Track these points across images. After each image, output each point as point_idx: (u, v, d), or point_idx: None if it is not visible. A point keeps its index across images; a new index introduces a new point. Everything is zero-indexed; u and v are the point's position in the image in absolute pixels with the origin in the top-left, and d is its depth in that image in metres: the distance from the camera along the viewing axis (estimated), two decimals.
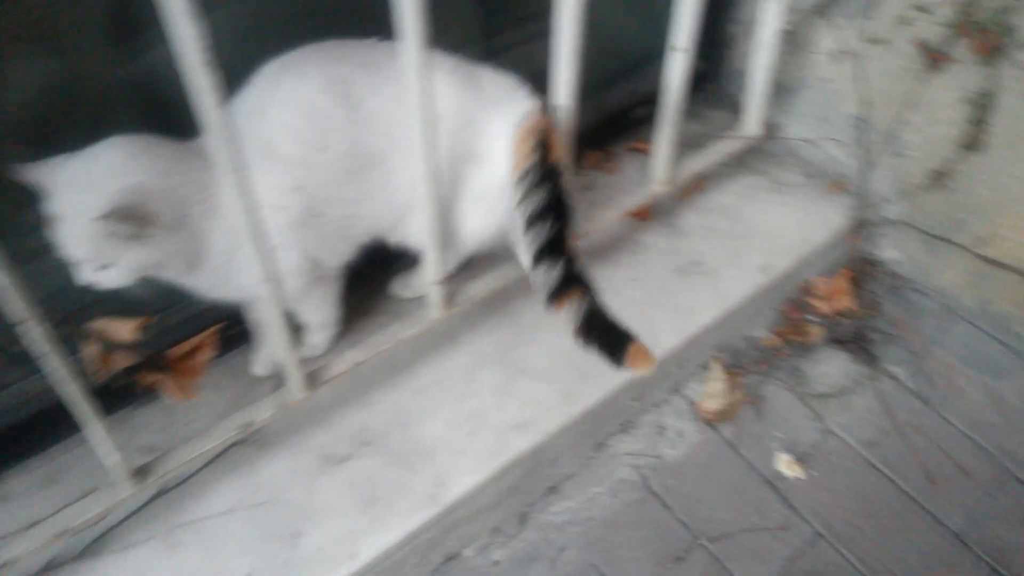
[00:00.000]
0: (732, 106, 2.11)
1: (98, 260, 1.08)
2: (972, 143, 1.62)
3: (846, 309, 1.85)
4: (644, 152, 1.96)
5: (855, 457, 1.73)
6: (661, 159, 1.60)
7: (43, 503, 1.38)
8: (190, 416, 1.49)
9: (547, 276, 1.30)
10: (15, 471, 1.44)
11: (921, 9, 1.63)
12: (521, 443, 1.51)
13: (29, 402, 1.41)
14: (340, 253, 1.37)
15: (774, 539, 1.61)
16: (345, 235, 1.33)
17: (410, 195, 1.31)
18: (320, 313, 1.44)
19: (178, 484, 1.41)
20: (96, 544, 1.35)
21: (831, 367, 1.85)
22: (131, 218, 1.04)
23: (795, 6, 1.68)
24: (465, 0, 1.83)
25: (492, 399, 1.57)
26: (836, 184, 1.91)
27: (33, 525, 1.21)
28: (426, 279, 1.37)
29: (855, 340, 1.85)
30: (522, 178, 1.31)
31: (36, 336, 0.97)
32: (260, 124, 1.20)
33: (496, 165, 1.36)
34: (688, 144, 1.94)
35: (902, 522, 1.63)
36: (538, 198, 1.30)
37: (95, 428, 1.13)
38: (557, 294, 1.31)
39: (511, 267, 1.53)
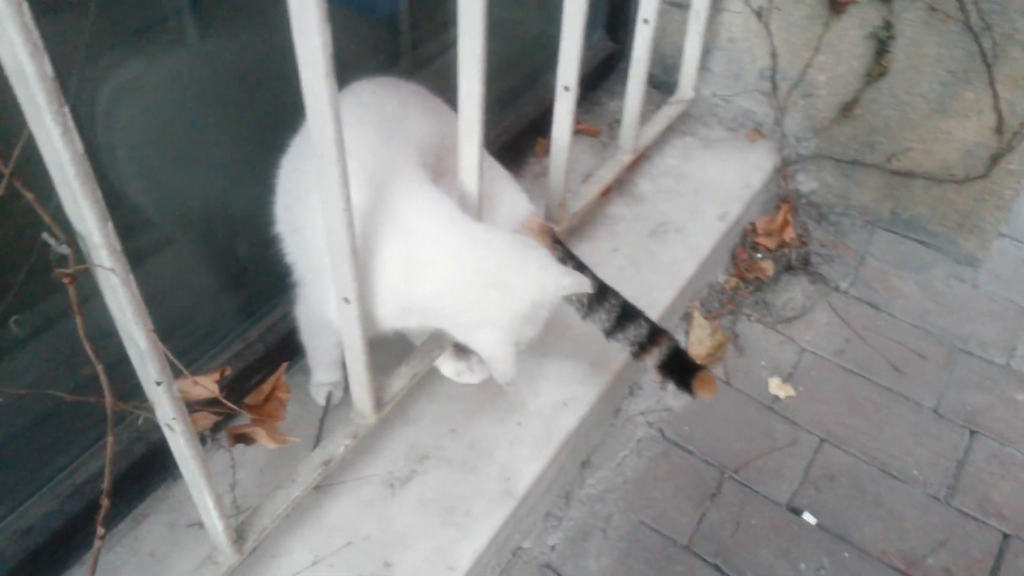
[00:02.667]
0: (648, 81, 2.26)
1: None
2: (878, 72, 1.86)
3: (791, 240, 2.05)
4: (586, 133, 2.06)
5: (831, 367, 1.92)
6: (628, 129, 1.70)
7: None
8: (229, 479, 1.40)
9: (634, 335, 1.42)
10: None
11: None
12: (568, 420, 1.56)
13: (63, 506, 1.27)
14: None
15: (788, 455, 1.76)
16: None
17: None
18: None
19: (252, 549, 1.32)
20: None
21: (788, 294, 2.04)
22: None
23: None
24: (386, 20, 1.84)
25: (527, 386, 1.59)
26: (754, 132, 2.10)
27: None
28: None
29: (803, 266, 2.05)
30: None
31: (168, 399, 0.89)
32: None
33: None
34: (620, 119, 2.05)
35: (886, 412, 1.84)
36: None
37: (204, 495, 1.05)
38: (645, 346, 1.42)
39: None
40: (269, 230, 1.32)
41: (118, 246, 0.75)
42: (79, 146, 0.67)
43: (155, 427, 1.31)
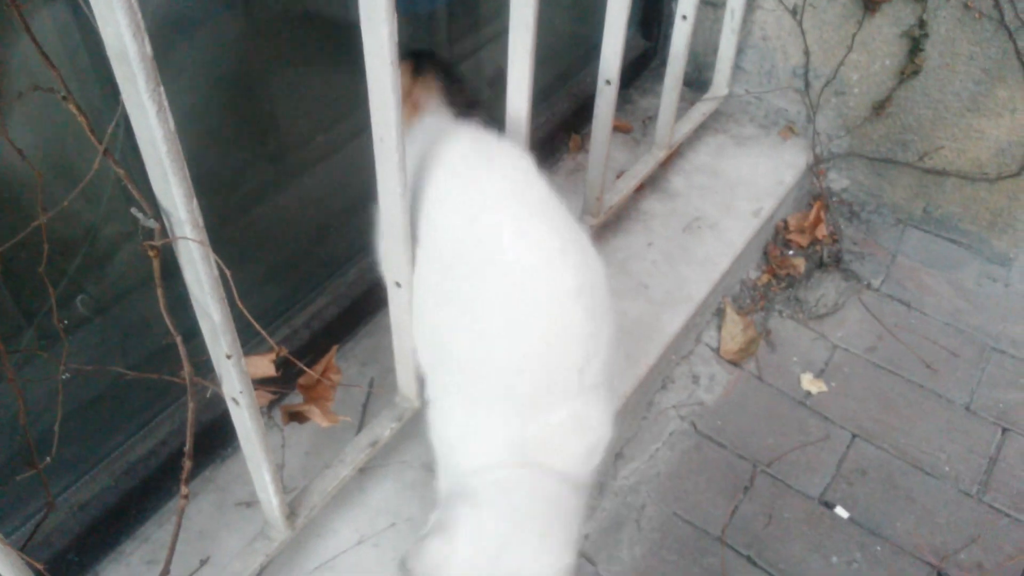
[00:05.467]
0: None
1: None
2: (911, 70, 1.88)
3: (824, 238, 2.07)
4: (620, 129, 2.09)
5: (862, 363, 1.94)
6: (664, 125, 1.72)
7: None
8: (278, 459, 1.44)
9: None
10: (109, 560, 1.32)
11: None
12: None
13: (118, 482, 1.31)
14: None
15: (820, 450, 1.78)
16: None
17: None
18: None
19: (303, 526, 1.36)
20: None
21: (820, 291, 2.06)
22: None
23: None
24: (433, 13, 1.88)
25: None
26: (787, 130, 2.12)
27: None
28: None
29: (835, 263, 2.07)
30: None
31: (237, 372, 0.92)
32: None
33: None
34: (653, 116, 2.08)
35: (918, 408, 1.85)
36: None
37: (263, 469, 1.08)
38: None
39: None
40: (314, 220, 1.36)
41: (201, 222, 0.78)
42: (172, 125, 0.71)
43: (205, 407, 1.36)
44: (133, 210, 0.75)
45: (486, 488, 0.93)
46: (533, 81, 1.24)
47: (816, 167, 2.10)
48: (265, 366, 1.12)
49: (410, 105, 1.27)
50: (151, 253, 0.76)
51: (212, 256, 0.80)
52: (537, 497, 0.94)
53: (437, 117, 1.27)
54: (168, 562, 0.79)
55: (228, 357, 0.90)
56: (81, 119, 0.69)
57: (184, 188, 0.75)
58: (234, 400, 0.97)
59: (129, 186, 0.73)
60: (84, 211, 1.09)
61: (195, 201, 0.77)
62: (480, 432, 1.00)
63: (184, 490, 0.77)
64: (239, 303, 0.77)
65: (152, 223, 0.75)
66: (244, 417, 0.99)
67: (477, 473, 0.96)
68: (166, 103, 0.69)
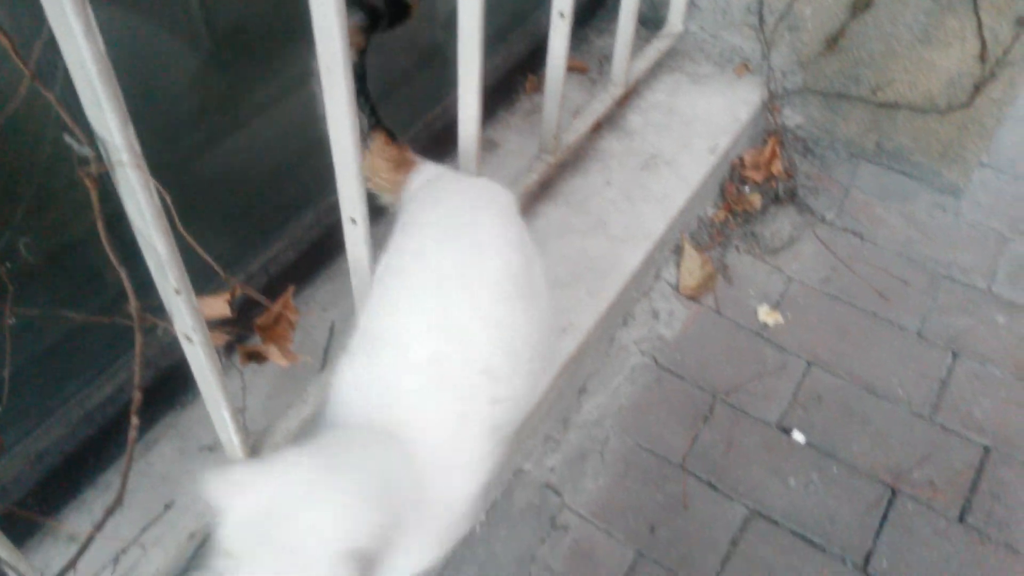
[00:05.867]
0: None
1: None
2: (864, 3, 1.88)
3: (779, 173, 2.09)
4: (576, 69, 2.07)
5: (817, 295, 1.97)
6: (619, 62, 1.72)
7: (119, 532, 1.28)
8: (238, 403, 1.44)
9: None
10: (70, 509, 1.32)
11: None
12: (567, 345, 1.60)
13: (75, 430, 1.30)
14: None
15: (777, 379, 1.82)
16: None
17: None
18: None
19: None
20: (200, 552, 1.29)
21: (775, 225, 2.08)
22: None
23: None
24: None
25: None
26: (741, 67, 2.13)
27: (157, 533, 1.14)
28: None
29: (789, 198, 2.09)
30: None
31: (188, 308, 0.92)
32: None
33: None
34: (609, 56, 2.07)
35: (871, 337, 1.89)
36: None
37: (221, 407, 1.08)
38: None
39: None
40: (271, 162, 1.34)
41: (138, 148, 0.77)
42: (101, 45, 0.69)
43: (164, 352, 1.35)
44: (66, 137, 0.73)
45: (327, 437, 0.90)
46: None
47: (771, 103, 2.11)
48: (220, 306, 1.11)
49: (406, 166, 1.29)
50: (88, 183, 0.75)
51: (152, 183, 0.79)
52: (372, 468, 0.86)
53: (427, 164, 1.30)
54: (121, 493, 0.79)
55: (177, 292, 0.90)
56: (4, 41, 0.67)
57: (119, 113, 0.73)
58: (187, 337, 0.97)
59: (60, 111, 0.72)
60: (28, 148, 1.06)
61: (131, 127, 0.75)
62: (357, 390, 0.98)
63: (135, 421, 0.77)
64: (180, 227, 0.76)
65: (87, 151, 0.74)
66: (198, 354, 0.99)
67: (337, 427, 0.93)
68: (94, 21, 0.67)
